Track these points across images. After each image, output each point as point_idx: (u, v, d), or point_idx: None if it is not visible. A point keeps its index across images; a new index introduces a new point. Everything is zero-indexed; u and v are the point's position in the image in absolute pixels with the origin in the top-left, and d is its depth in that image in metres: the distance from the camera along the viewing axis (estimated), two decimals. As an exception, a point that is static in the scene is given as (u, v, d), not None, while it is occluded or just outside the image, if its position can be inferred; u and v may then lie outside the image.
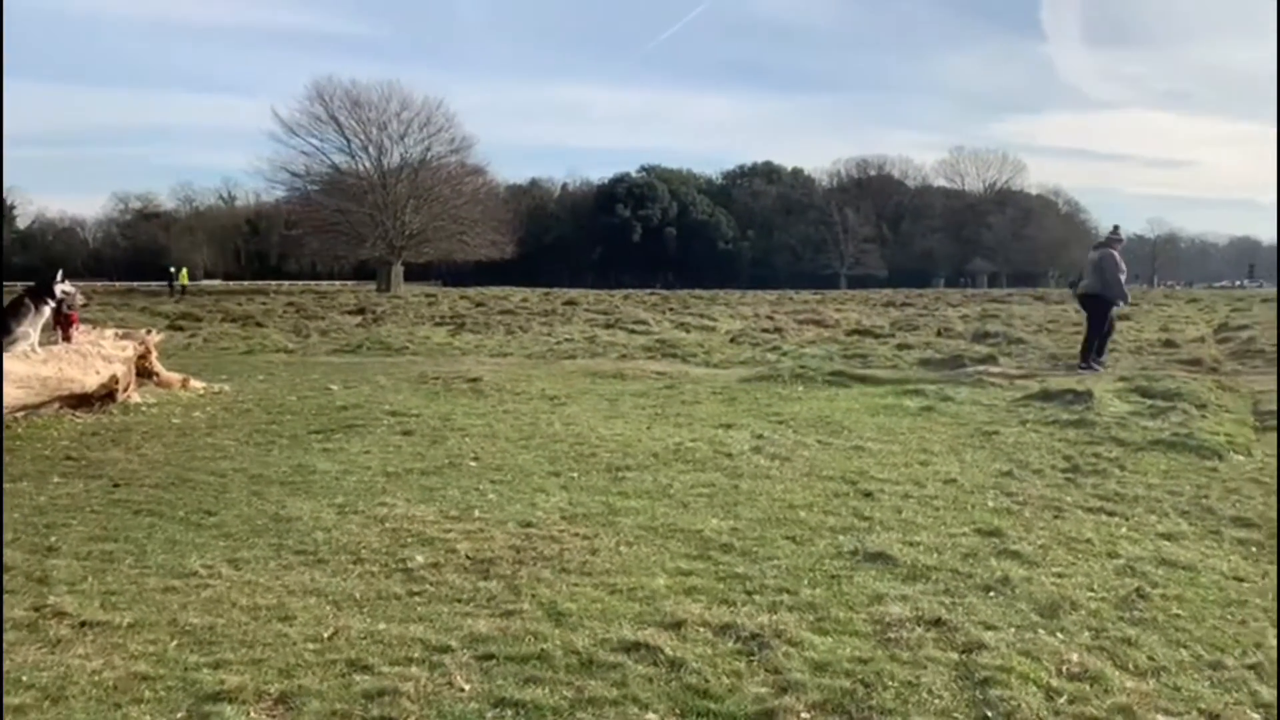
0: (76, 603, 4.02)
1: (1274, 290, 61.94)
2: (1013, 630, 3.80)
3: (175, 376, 11.03)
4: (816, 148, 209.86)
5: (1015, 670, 3.39)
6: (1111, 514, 5.64)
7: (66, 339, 10.11)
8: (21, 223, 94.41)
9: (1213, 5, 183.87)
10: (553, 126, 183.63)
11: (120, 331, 11.19)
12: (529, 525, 5.32)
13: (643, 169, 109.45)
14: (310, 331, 22.13)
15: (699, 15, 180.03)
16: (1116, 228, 14.51)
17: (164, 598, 4.13)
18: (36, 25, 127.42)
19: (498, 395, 10.75)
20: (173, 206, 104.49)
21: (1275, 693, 3.32)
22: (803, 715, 3.10)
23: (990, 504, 5.86)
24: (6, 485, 6.07)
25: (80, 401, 9.04)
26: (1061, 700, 3.21)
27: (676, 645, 3.59)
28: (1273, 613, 4.06)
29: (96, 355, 9.43)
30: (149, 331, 11.67)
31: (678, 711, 3.14)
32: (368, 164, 67.34)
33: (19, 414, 8.25)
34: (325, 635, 3.70)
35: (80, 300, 10.45)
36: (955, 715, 3.13)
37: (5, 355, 8.30)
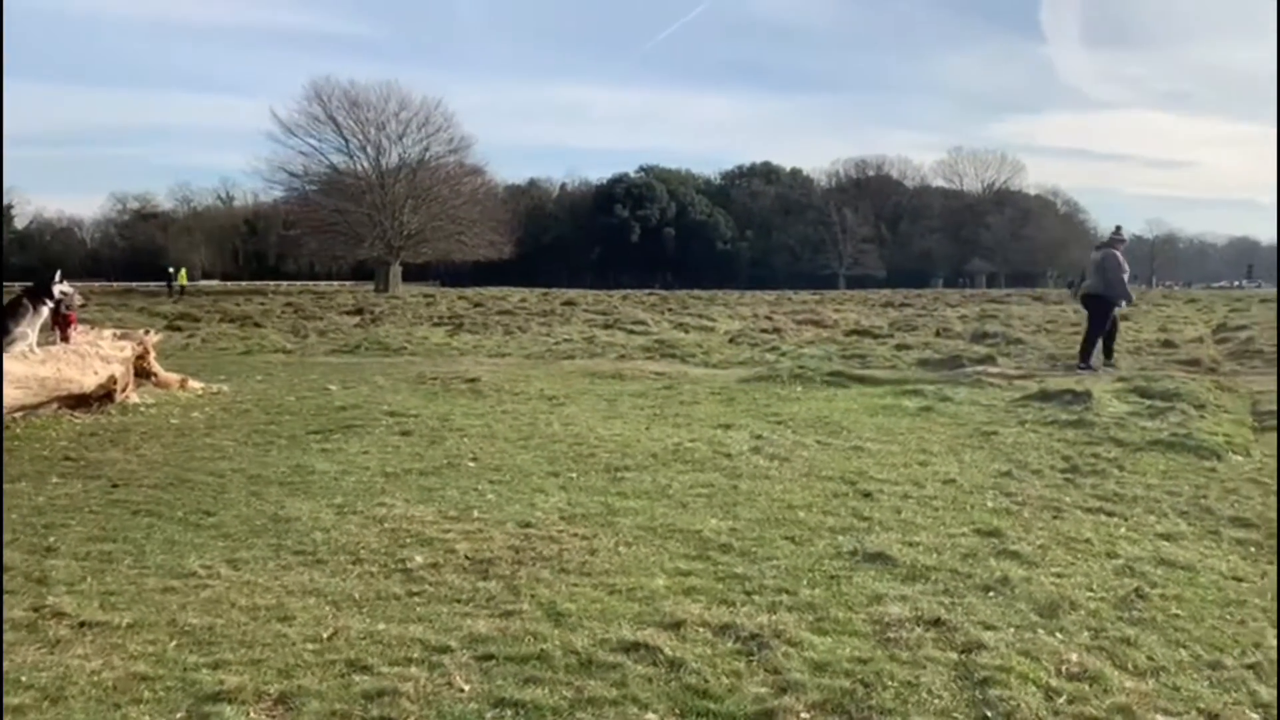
0: (75, 603, 4.02)
1: (1272, 291, 62.01)
2: (1012, 630, 3.80)
3: (174, 377, 11.02)
4: (815, 148, 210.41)
5: (1014, 670, 3.39)
6: (1110, 514, 5.64)
7: (65, 339, 10.10)
8: (19, 223, 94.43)
9: (1212, 6, 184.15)
10: (551, 126, 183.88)
11: (118, 332, 11.17)
12: (528, 525, 5.31)
13: (641, 169, 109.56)
14: (308, 332, 22.12)
15: (698, 15, 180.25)
16: (1119, 228, 14.53)
17: (163, 598, 4.13)
18: (34, 25, 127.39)
19: (496, 395, 10.75)
20: (171, 207, 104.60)
21: (1274, 692, 3.32)
22: (802, 715, 3.10)
23: (989, 504, 5.86)
24: (5, 486, 6.06)
25: (78, 402, 9.04)
26: (1061, 700, 3.22)
27: (676, 645, 3.59)
28: (1271, 613, 4.06)
29: (95, 356, 9.43)
30: (147, 332, 11.66)
31: (677, 711, 3.14)
32: (366, 164, 67.38)
33: (17, 414, 8.24)
34: (324, 635, 3.70)
35: (78, 300, 10.44)
36: (955, 715, 3.13)
37: (4, 356, 8.30)
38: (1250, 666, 3.52)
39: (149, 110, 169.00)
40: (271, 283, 76.26)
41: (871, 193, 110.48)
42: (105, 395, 9.28)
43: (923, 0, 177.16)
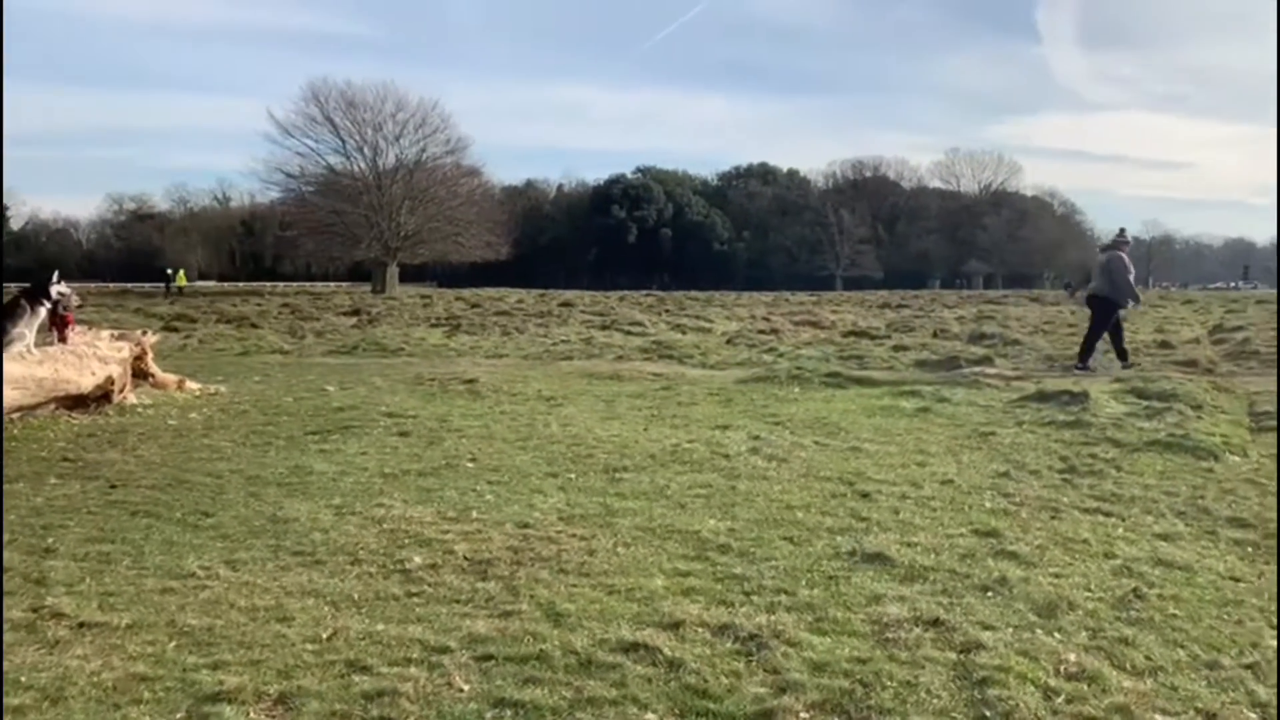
0: (74, 604, 4.02)
1: (1268, 292, 62.17)
2: (1010, 630, 3.81)
3: (171, 378, 11.02)
4: (812, 149, 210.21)
5: (1013, 670, 3.40)
6: (1108, 514, 5.65)
7: (62, 340, 10.10)
8: (15, 224, 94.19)
9: (1208, 7, 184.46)
10: (548, 127, 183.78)
11: (116, 332, 11.17)
12: (527, 526, 5.32)
13: (638, 170, 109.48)
14: (305, 333, 22.12)
15: (695, 16, 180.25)
16: (1123, 230, 14.58)
17: (162, 599, 4.13)
18: (31, 25, 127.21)
19: (494, 396, 10.75)
20: (167, 208, 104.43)
21: (1271, 692, 3.33)
22: (802, 715, 3.11)
23: (987, 505, 5.87)
24: (4, 486, 6.06)
25: (76, 402, 9.03)
26: (1059, 700, 3.22)
27: (675, 645, 3.60)
28: (1269, 612, 4.08)
29: (92, 356, 9.42)
30: (145, 333, 11.66)
31: (677, 711, 3.14)
32: (363, 165, 67.24)
33: (14, 415, 8.24)
34: (324, 636, 3.70)
35: (76, 301, 10.44)
36: (954, 715, 3.14)
37: (2, 357, 8.29)
38: (1248, 666, 3.53)
39: (145, 111, 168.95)
40: (268, 284, 76.19)
41: (868, 194, 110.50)
42: (103, 396, 9.28)
43: (919, 2, 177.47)
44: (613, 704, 3.17)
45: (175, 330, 21.98)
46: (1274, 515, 5.59)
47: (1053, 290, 74.81)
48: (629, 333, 21.75)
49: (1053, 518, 5.58)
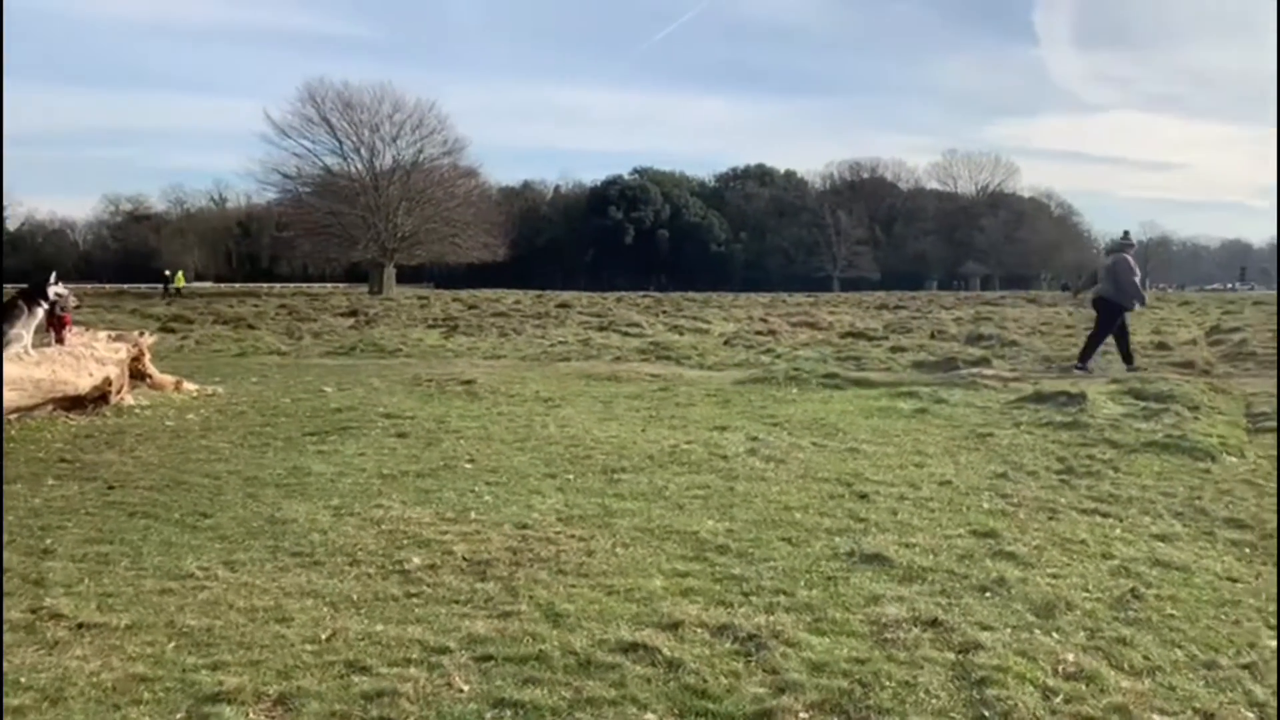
0: (73, 605, 4.02)
1: (1265, 293, 62.23)
2: (1009, 630, 3.81)
3: (168, 379, 11.01)
4: (809, 150, 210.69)
5: (1012, 670, 3.41)
6: (1106, 515, 5.66)
7: (60, 341, 10.10)
8: (11, 224, 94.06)
9: (1204, 8, 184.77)
10: (545, 128, 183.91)
11: (113, 333, 11.16)
12: (525, 527, 5.32)
13: (635, 171, 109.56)
14: (303, 334, 22.11)
15: (693, 18, 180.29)
16: (1127, 233, 14.58)
17: (161, 599, 4.13)
18: (27, 26, 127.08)
19: (492, 397, 10.75)
20: (164, 208, 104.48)
21: (1269, 692, 3.34)
22: (801, 715, 3.11)
23: (985, 505, 5.88)
24: (2, 487, 6.05)
25: (74, 403, 9.03)
26: (1058, 700, 3.23)
27: (674, 646, 3.60)
28: (1266, 613, 4.09)
29: (90, 357, 9.41)
30: (142, 334, 11.65)
31: (676, 711, 3.14)
32: (360, 166, 67.20)
33: (12, 416, 8.23)
34: (323, 637, 3.70)
35: (73, 302, 10.44)
36: (952, 715, 3.14)
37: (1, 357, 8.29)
38: (1245, 666, 3.54)
39: (142, 111, 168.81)
40: (265, 285, 76.21)
41: (866, 195, 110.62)
42: (100, 397, 9.28)
43: (917, 3, 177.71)
44: (612, 704, 3.18)
45: (172, 331, 21.96)
46: (1271, 516, 5.61)
47: (1050, 291, 74.94)
48: (626, 334, 21.75)
49: (1050, 518, 5.59)
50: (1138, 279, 13.61)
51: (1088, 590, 4.32)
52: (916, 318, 28.66)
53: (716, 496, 6.08)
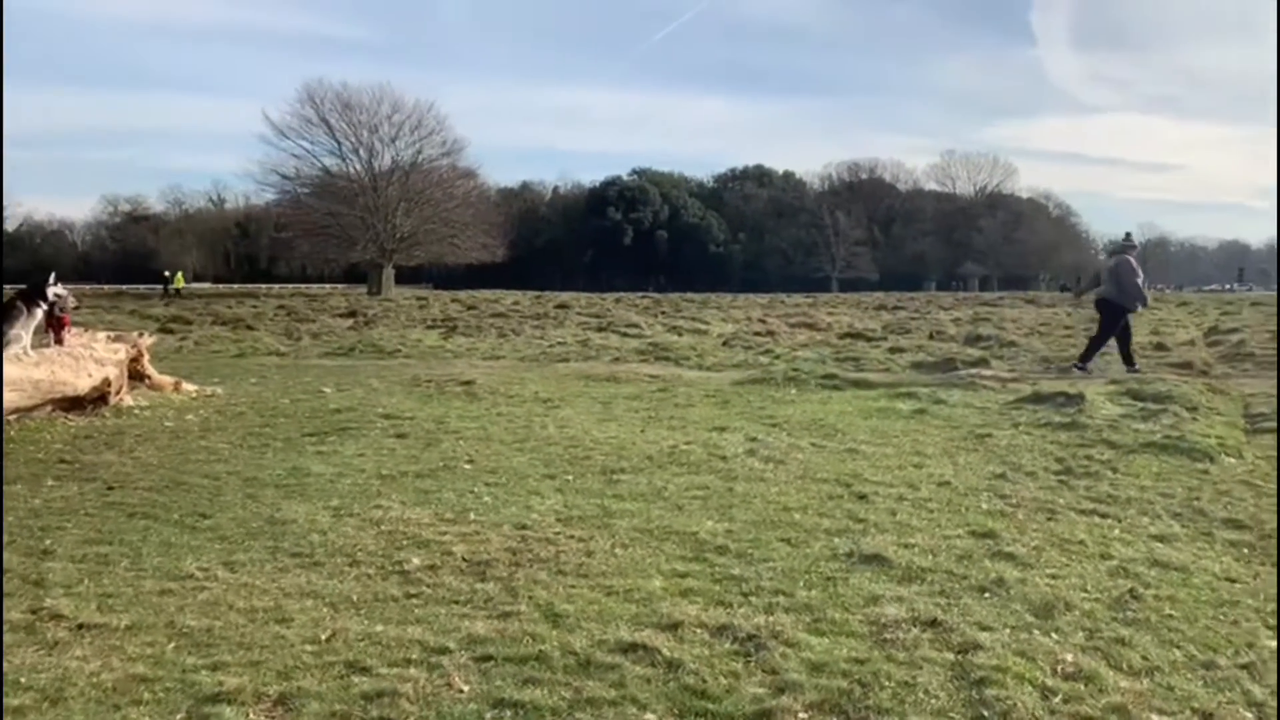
0: (73, 605, 4.02)
1: (1263, 294, 62.27)
2: (1008, 631, 3.82)
3: (167, 379, 11.01)
4: (808, 151, 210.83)
5: (1010, 670, 3.42)
6: (1104, 516, 5.67)
7: (59, 342, 10.09)
8: (10, 225, 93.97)
9: (1201, 9, 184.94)
10: (544, 129, 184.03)
11: (112, 334, 11.16)
12: (524, 528, 5.32)
13: (634, 172, 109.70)
14: (302, 334, 22.11)
15: (691, 19, 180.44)
16: (1129, 234, 14.62)
17: (161, 600, 4.13)
18: (24, 27, 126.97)
19: (491, 398, 10.76)
20: (162, 209, 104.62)
21: (1266, 691, 3.35)
22: (800, 715, 3.12)
23: (984, 506, 5.89)
24: (2, 488, 6.05)
25: (73, 404, 9.03)
26: (1056, 700, 3.24)
27: (674, 646, 3.61)
28: (1264, 613, 4.09)
29: (89, 358, 9.41)
30: (141, 334, 11.65)
31: (676, 712, 3.15)
32: (359, 167, 67.20)
33: (11, 417, 8.23)
34: (323, 637, 3.71)
35: (72, 303, 10.43)
36: (951, 715, 3.15)
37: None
38: (1244, 666, 3.54)
39: (140, 112, 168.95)
40: (263, 285, 76.23)
41: (864, 196, 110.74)
42: (99, 398, 9.27)
43: (915, 4, 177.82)
44: (612, 704, 3.18)
45: (171, 332, 21.95)
46: (1269, 517, 5.62)
47: (1048, 292, 74.96)
48: (625, 334, 21.76)
49: (1049, 519, 5.59)
50: (1141, 280, 13.58)
51: (1086, 590, 4.33)
52: (915, 318, 28.68)
53: (715, 497, 6.09)
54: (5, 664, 3.41)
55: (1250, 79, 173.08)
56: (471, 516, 5.57)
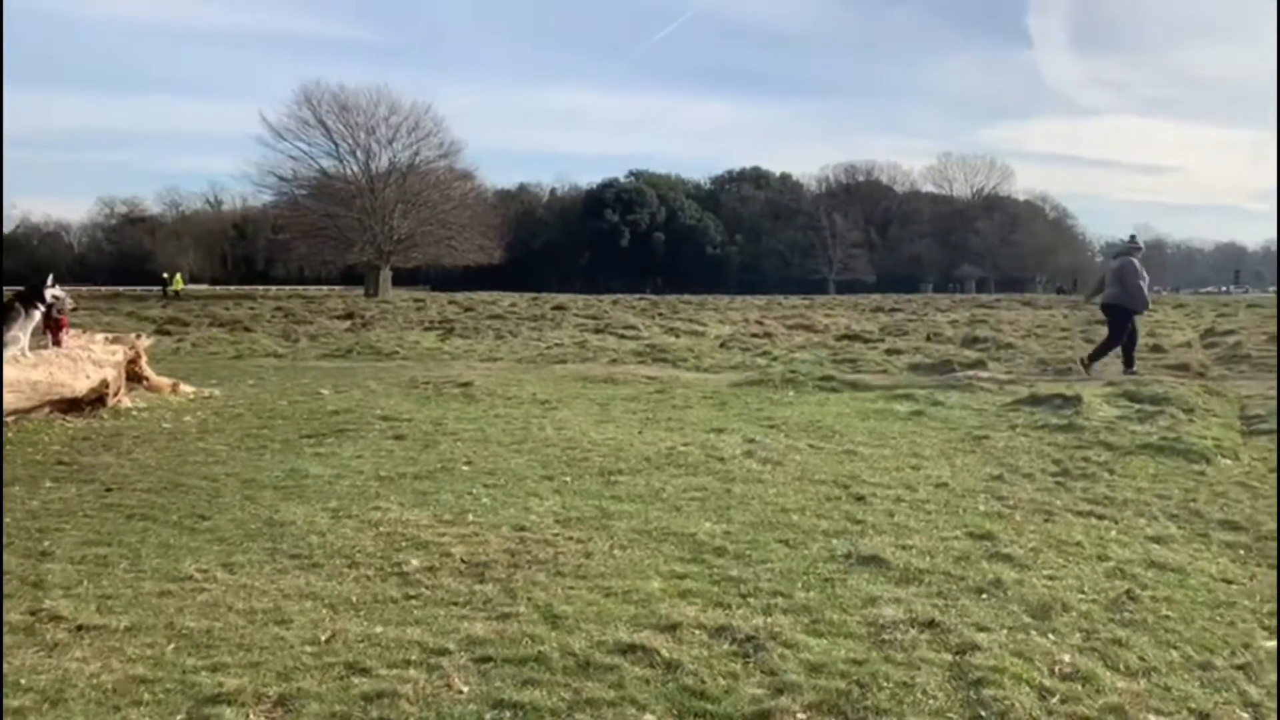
0: (72, 606, 4.02)
1: (1259, 295, 62.35)
2: (1005, 631, 3.83)
3: (165, 381, 11.01)
4: (805, 153, 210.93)
5: (1008, 671, 3.43)
6: (1101, 517, 5.69)
7: (56, 343, 10.10)
8: (6, 226, 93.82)
9: (1198, 11, 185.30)
10: (541, 131, 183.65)
11: (110, 336, 11.17)
12: (523, 529, 5.33)
13: (631, 174, 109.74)
14: (299, 336, 22.10)
15: (688, 21, 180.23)
16: (1133, 236, 14.50)
17: (160, 601, 4.14)
18: (24, 27, 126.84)
19: (489, 400, 10.76)
20: (159, 211, 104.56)
21: (1263, 692, 3.37)
22: (799, 716, 3.13)
23: (981, 508, 5.90)
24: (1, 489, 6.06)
25: (70, 406, 9.02)
26: (1054, 700, 3.25)
27: (673, 647, 3.62)
28: (1260, 614, 4.11)
29: (86, 360, 9.41)
30: (139, 336, 11.65)
31: (675, 712, 3.16)
32: (356, 168, 67.04)
33: (9, 418, 8.22)
34: (322, 638, 3.71)
35: (70, 305, 10.43)
36: (949, 715, 3.16)
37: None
38: (1240, 667, 3.56)
39: (137, 114, 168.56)
40: (260, 287, 76.08)
41: (861, 198, 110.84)
42: (97, 399, 9.27)
43: (912, 7, 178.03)
44: (611, 705, 3.19)
45: (168, 334, 21.94)
46: (1265, 518, 5.64)
47: (1045, 294, 75.06)
48: (623, 336, 21.77)
49: (1046, 520, 5.61)
50: (1144, 283, 13.44)
51: (1083, 592, 4.34)
52: (912, 320, 28.70)
53: (714, 498, 6.10)
54: (5, 665, 3.41)
55: (1246, 81, 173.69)
56: (470, 518, 5.57)
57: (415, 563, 4.69)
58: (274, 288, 75.37)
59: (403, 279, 73.99)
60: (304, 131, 64.94)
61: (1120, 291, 13.40)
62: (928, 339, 20.43)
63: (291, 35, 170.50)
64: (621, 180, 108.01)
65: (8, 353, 8.67)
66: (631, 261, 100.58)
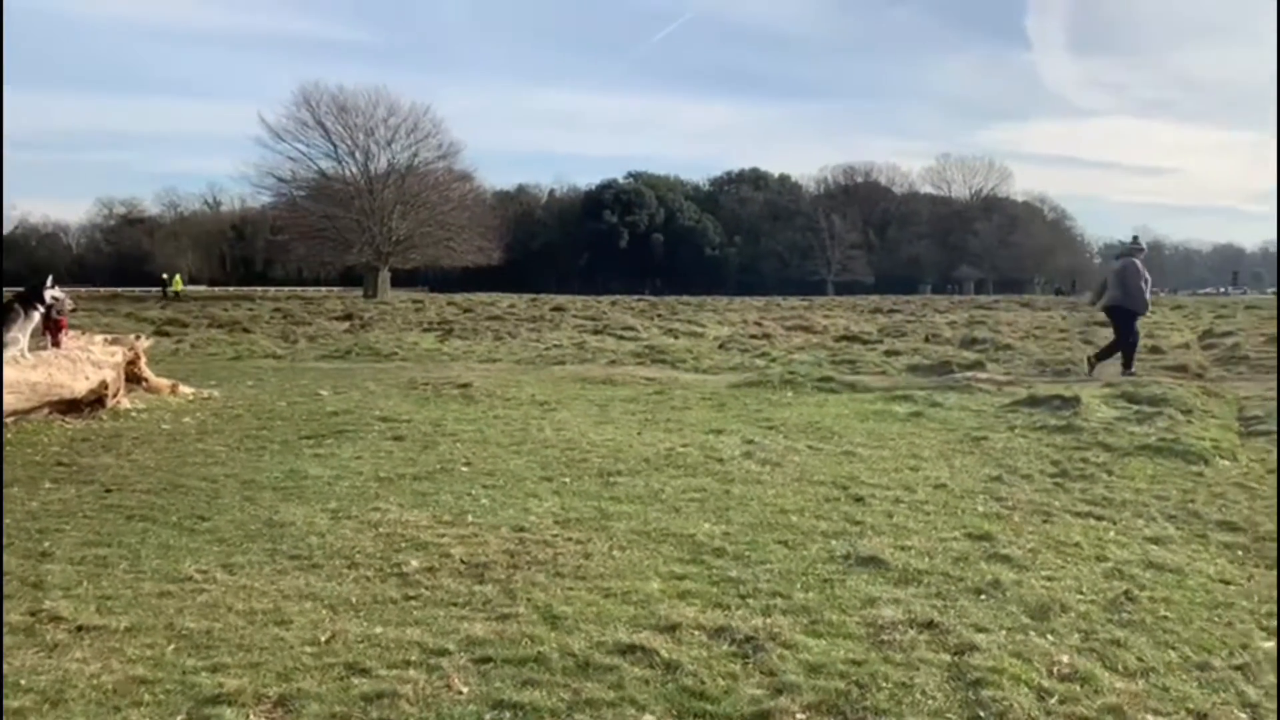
0: (72, 607, 4.02)
1: (1257, 297, 62.39)
2: (1004, 632, 3.84)
3: (164, 382, 11.01)
4: (803, 154, 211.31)
5: (1007, 671, 3.44)
6: (1099, 518, 5.70)
7: (56, 344, 10.10)
8: (5, 228, 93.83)
9: (1197, 12, 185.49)
10: (540, 132, 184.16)
11: (109, 337, 11.17)
12: (522, 530, 5.34)
13: (630, 175, 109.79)
14: (298, 337, 22.10)
15: (687, 22, 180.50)
16: (1136, 238, 14.48)
17: (160, 602, 4.14)
18: (23, 27, 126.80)
19: (488, 401, 10.76)
20: (157, 212, 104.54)
21: (1261, 692, 3.37)
22: (798, 716, 3.14)
23: (980, 509, 5.91)
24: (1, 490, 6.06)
25: (70, 407, 9.02)
26: (1052, 700, 3.26)
27: (672, 648, 3.62)
28: (1258, 615, 4.12)
29: (86, 361, 9.41)
30: (138, 337, 11.65)
31: (675, 713, 3.16)
32: (355, 169, 67.06)
33: (9, 419, 8.22)
34: (322, 639, 3.72)
35: (69, 306, 10.43)
36: (948, 716, 3.17)
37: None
38: (1238, 667, 3.57)
39: (136, 115, 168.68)
40: (259, 288, 76.11)
41: (860, 199, 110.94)
42: (97, 400, 9.27)
43: (911, 8, 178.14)
44: (611, 705, 3.20)
45: (167, 335, 21.92)
46: (1263, 519, 5.66)
47: (1043, 295, 75.10)
48: (621, 337, 21.78)
49: (1045, 521, 5.62)
50: (1146, 284, 13.37)
51: (1082, 592, 4.35)
52: (911, 322, 28.73)
53: (713, 499, 6.10)
54: (5, 666, 3.41)
55: (1245, 83, 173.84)
56: (469, 519, 5.58)
57: (415, 563, 4.69)
58: (273, 289, 75.40)
59: (401, 280, 74.01)
60: (303, 133, 65.03)
61: (1122, 294, 13.37)
62: (926, 340, 20.44)
63: (290, 36, 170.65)
64: (620, 181, 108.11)
65: (7, 354, 8.67)
66: (630, 263, 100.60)
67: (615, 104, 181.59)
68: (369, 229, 64.48)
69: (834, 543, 5.11)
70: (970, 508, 5.93)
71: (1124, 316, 13.49)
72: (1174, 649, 3.73)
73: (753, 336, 21.58)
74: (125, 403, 9.78)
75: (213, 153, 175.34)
